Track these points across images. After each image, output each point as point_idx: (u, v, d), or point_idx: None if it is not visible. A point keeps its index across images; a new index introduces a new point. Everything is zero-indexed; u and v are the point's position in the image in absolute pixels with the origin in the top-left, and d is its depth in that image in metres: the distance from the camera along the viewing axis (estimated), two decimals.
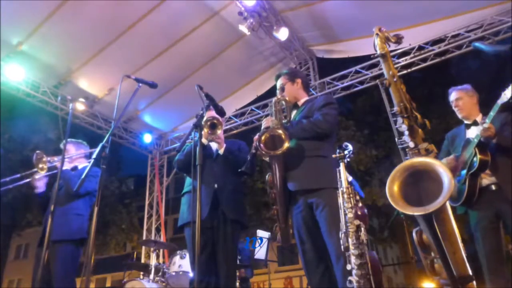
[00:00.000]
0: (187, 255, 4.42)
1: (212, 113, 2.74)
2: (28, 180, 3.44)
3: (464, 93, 3.07)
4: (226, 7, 5.49)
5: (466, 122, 3.06)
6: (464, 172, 2.78)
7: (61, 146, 3.56)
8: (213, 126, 2.82)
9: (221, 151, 2.97)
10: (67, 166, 3.40)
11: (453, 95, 3.11)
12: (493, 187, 2.74)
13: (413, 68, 5.81)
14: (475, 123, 2.97)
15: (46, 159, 3.28)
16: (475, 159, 2.69)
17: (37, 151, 3.33)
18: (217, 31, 5.82)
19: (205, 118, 2.84)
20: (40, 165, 3.26)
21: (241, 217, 2.91)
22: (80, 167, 3.53)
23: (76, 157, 3.57)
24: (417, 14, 5.33)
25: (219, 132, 2.86)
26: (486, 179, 2.77)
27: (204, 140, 2.88)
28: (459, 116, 3.09)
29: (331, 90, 6.37)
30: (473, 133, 2.91)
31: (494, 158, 2.70)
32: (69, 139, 3.60)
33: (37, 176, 3.32)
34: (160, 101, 6.86)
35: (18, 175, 3.50)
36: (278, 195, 2.41)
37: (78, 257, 3.26)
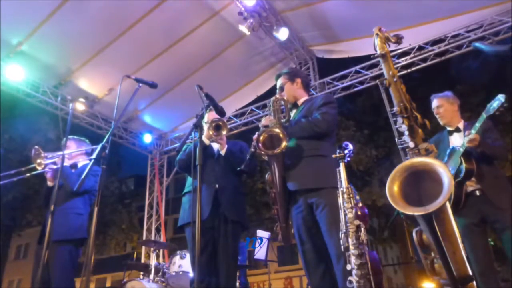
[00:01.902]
0: (187, 255, 4.42)
1: (214, 114, 2.75)
2: (23, 176, 3.41)
3: (444, 101, 3.13)
4: (226, 7, 5.49)
5: (448, 128, 3.12)
6: None
7: (63, 142, 3.56)
8: (218, 128, 2.83)
9: (222, 152, 2.97)
10: (66, 162, 3.35)
11: (434, 103, 3.17)
12: (477, 193, 2.81)
13: (413, 68, 5.81)
14: (457, 130, 3.06)
15: (44, 155, 3.25)
16: (461, 167, 2.76)
17: (35, 147, 3.30)
18: (217, 31, 5.82)
19: (210, 119, 2.86)
20: (38, 161, 3.24)
21: (242, 218, 2.91)
22: (80, 164, 3.51)
23: (76, 154, 3.53)
24: (417, 14, 5.33)
25: (224, 133, 2.86)
26: (471, 186, 2.84)
27: (206, 141, 2.89)
28: (441, 123, 3.15)
29: (331, 90, 6.37)
30: (456, 139, 3.01)
31: (478, 166, 2.78)
32: (71, 136, 3.59)
33: (49, 168, 3.25)
34: (160, 101, 6.86)
35: (13, 171, 3.46)
36: (278, 195, 2.41)
37: (77, 257, 3.25)
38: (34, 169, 3.31)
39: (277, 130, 2.39)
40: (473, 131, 2.73)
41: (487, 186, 2.79)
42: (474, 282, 1.65)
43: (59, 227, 2.98)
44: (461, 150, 2.79)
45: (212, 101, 2.44)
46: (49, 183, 3.32)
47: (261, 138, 2.41)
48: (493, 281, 2.66)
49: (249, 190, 12.34)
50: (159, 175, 8.06)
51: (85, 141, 3.65)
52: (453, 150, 2.91)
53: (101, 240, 14.73)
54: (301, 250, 2.39)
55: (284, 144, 2.33)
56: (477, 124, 2.73)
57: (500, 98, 2.63)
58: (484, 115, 2.71)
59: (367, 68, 6.16)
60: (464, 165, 2.75)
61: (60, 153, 3.32)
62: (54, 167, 3.25)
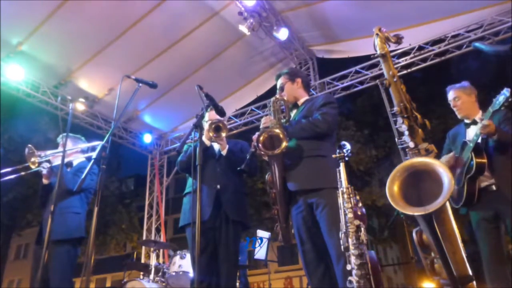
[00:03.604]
0: (187, 255, 4.42)
1: (214, 114, 2.74)
2: (19, 174, 3.39)
3: (461, 92, 3.03)
4: (226, 7, 5.49)
5: (466, 121, 3.03)
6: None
7: (58, 140, 3.54)
8: (217, 129, 2.83)
9: (223, 152, 2.97)
10: (60, 161, 3.31)
11: (451, 94, 3.06)
12: (494, 187, 2.74)
13: (413, 68, 5.81)
14: (474, 122, 2.94)
15: (37, 154, 3.23)
16: (472, 163, 2.70)
17: (28, 145, 3.27)
18: (217, 31, 5.82)
19: (210, 121, 2.85)
20: (32, 159, 3.22)
21: (243, 218, 2.91)
22: (75, 162, 3.48)
23: (72, 152, 3.49)
24: (417, 14, 5.33)
25: (223, 135, 2.86)
26: (485, 180, 2.77)
27: (206, 141, 2.88)
28: (459, 115, 3.05)
29: (331, 90, 6.37)
30: (473, 132, 2.88)
31: (492, 159, 2.72)
32: (65, 133, 3.56)
33: (46, 167, 3.22)
34: (160, 101, 6.86)
35: (10, 169, 3.42)
36: (278, 195, 2.41)
37: (76, 256, 3.24)
38: (29, 167, 3.29)
39: (277, 130, 2.39)
40: (485, 119, 2.65)
41: (501, 180, 2.69)
42: (474, 282, 1.65)
43: (56, 227, 2.94)
44: (471, 145, 2.72)
45: (212, 101, 2.44)
46: (44, 181, 3.29)
47: (261, 138, 2.41)
48: (502, 278, 2.60)
49: (249, 190, 12.34)
50: (159, 175, 8.06)
51: (80, 139, 3.61)
52: (464, 144, 2.84)
53: (101, 240, 14.71)
54: (301, 250, 2.39)
55: (284, 144, 2.33)
56: (488, 114, 2.66)
57: (505, 92, 2.57)
58: (490, 110, 2.65)
59: (367, 68, 6.16)
60: (474, 160, 2.68)
61: (52, 151, 3.32)
62: (48, 165, 3.23)
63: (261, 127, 2.53)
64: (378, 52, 1.99)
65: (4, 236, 14.46)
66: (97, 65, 5.89)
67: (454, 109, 3.04)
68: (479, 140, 2.73)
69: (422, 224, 1.70)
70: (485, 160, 2.69)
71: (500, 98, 2.60)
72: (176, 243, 5.63)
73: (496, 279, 2.61)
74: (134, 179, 21.92)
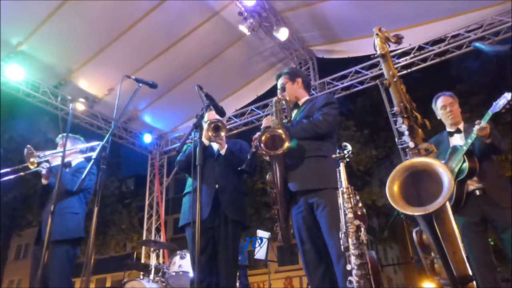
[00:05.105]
0: (187, 255, 4.43)
1: (214, 114, 2.75)
2: (18, 174, 3.39)
3: (454, 100, 3.11)
4: (226, 7, 5.49)
5: (449, 129, 3.09)
6: None
7: (57, 140, 3.54)
8: (216, 129, 2.83)
9: (222, 152, 2.97)
10: (59, 161, 3.29)
11: (445, 100, 3.11)
12: (477, 192, 2.79)
13: (413, 68, 5.81)
14: (458, 131, 3.02)
15: (36, 154, 3.24)
16: (464, 166, 2.74)
17: (27, 146, 3.29)
18: (217, 31, 5.82)
19: (209, 120, 2.86)
20: (31, 160, 3.23)
21: (242, 218, 2.91)
22: (74, 163, 3.48)
23: (70, 153, 3.50)
24: (417, 14, 5.33)
25: (223, 134, 2.86)
26: (472, 185, 2.82)
27: (205, 141, 2.88)
28: (450, 122, 3.08)
29: (331, 90, 6.37)
30: (456, 140, 2.97)
31: (480, 165, 2.76)
32: (64, 134, 3.57)
33: (45, 167, 3.23)
34: (160, 101, 6.86)
35: (9, 169, 3.42)
36: (278, 195, 2.41)
37: (75, 256, 3.24)
38: (28, 168, 3.30)
39: (279, 130, 2.39)
40: (483, 121, 2.67)
41: (489, 185, 2.76)
42: (474, 282, 1.64)
43: (55, 227, 2.92)
44: (464, 148, 2.76)
45: (212, 101, 2.44)
46: (44, 181, 3.29)
47: (263, 138, 2.41)
48: (493, 281, 2.64)
49: (249, 190, 12.34)
50: (159, 175, 8.06)
51: (79, 139, 3.62)
52: (454, 149, 2.88)
53: (101, 240, 14.73)
54: (301, 250, 2.40)
55: (286, 144, 2.33)
56: (486, 117, 2.67)
57: (506, 96, 2.56)
58: (490, 113, 2.65)
59: (367, 68, 6.16)
60: (467, 164, 2.72)
61: (51, 152, 3.33)
62: (47, 165, 3.24)
63: (262, 127, 2.53)
64: (378, 52, 1.98)
65: (4, 236, 14.46)
66: (97, 65, 5.89)
67: (448, 114, 3.07)
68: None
69: (422, 224, 1.70)
70: (476, 165, 2.73)
71: (500, 102, 2.61)
72: (176, 243, 5.63)
73: (487, 280, 2.63)
74: (134, 179, 21.92)
